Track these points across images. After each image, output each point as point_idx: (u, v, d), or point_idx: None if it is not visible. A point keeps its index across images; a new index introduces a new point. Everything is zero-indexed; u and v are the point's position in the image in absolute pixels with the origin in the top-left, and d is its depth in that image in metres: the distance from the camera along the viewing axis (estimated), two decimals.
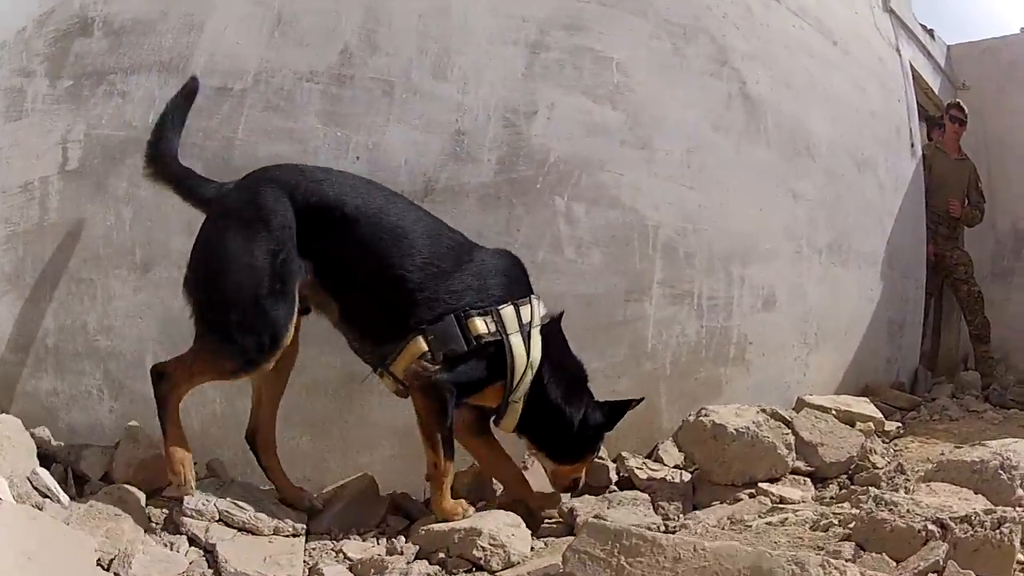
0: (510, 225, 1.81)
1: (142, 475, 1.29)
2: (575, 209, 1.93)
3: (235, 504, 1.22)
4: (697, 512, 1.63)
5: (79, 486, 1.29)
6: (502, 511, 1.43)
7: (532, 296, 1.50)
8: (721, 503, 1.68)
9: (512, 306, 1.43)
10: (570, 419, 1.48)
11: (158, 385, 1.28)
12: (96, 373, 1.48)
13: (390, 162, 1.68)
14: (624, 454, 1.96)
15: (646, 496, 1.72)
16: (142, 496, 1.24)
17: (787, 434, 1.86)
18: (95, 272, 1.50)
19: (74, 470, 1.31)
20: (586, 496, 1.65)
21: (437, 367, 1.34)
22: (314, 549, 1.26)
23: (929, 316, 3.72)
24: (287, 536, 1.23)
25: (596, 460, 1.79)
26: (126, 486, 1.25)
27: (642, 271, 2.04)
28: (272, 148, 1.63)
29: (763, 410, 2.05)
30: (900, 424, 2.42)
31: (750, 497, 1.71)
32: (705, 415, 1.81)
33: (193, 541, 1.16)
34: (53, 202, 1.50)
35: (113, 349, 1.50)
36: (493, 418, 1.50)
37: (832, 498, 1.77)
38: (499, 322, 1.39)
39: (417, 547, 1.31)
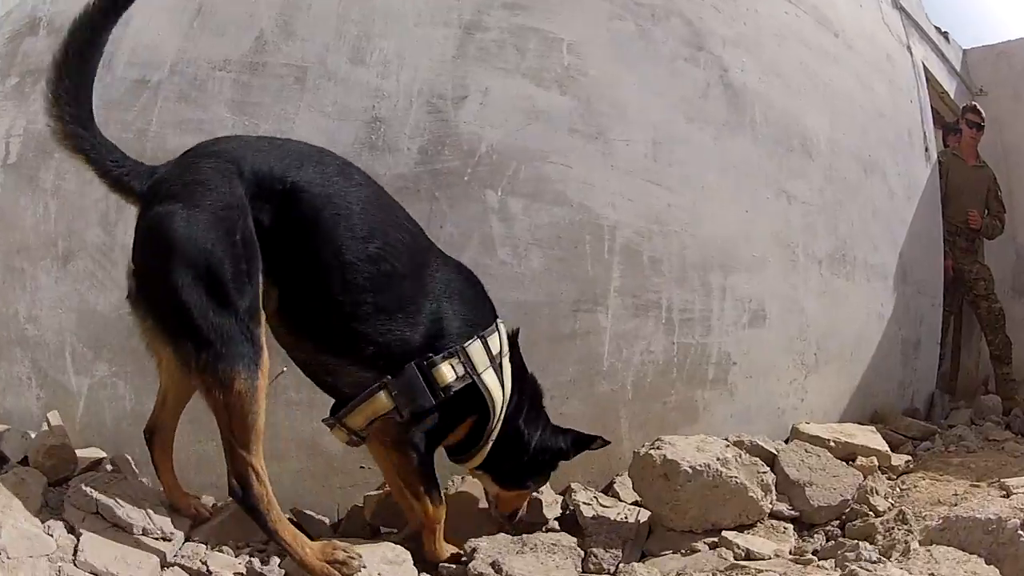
0: (431, 221, 1.44)
1: (50, 462, 1.20)
2: (511, 204, 1.55)
3: (116, 500, 1.09)
4: (635, 565, 1.19)
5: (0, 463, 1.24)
6: (389, 545, 1.16)
7: (497, 321, 1.21)
8: (674, 553, 1.27)
9: (479, 340, 1.14)
10: (527, 443, 1.24)
11: (249, 505, 0.99)
12: (25, 361, 1.41)
13: None
14: (574, 486, 1.52)
15: (572, 541, 1.30)
16: (43, 481, 1.15)
17: (764, 472, 1.42)
18: (26, 262, 1.41)
19: None
20: (499, 536, 1.26)
21: (403, 421, 1.08)
22: (183, 556, 1.10)
23: (947, 335, 3.15)
24: (156, 538, 1.09)
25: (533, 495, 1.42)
26: (33, 470, 1.18)
27: (595, 277, 1.63)
28: (182, 140, 1.39)
29: (739, 442, 1.61)
30: (910, 457, 1.91)
31: (710, 548, 1.31)
32: (657, 448, 1.37)
33: (71, 529, 1.06)
34: None
35: (40, 339, 1.40)
36: (455, 455, 1.22)
37: (815, 552, 1.34)
38: (467, 362, 1.11)
39: (284, 572, 1.07)
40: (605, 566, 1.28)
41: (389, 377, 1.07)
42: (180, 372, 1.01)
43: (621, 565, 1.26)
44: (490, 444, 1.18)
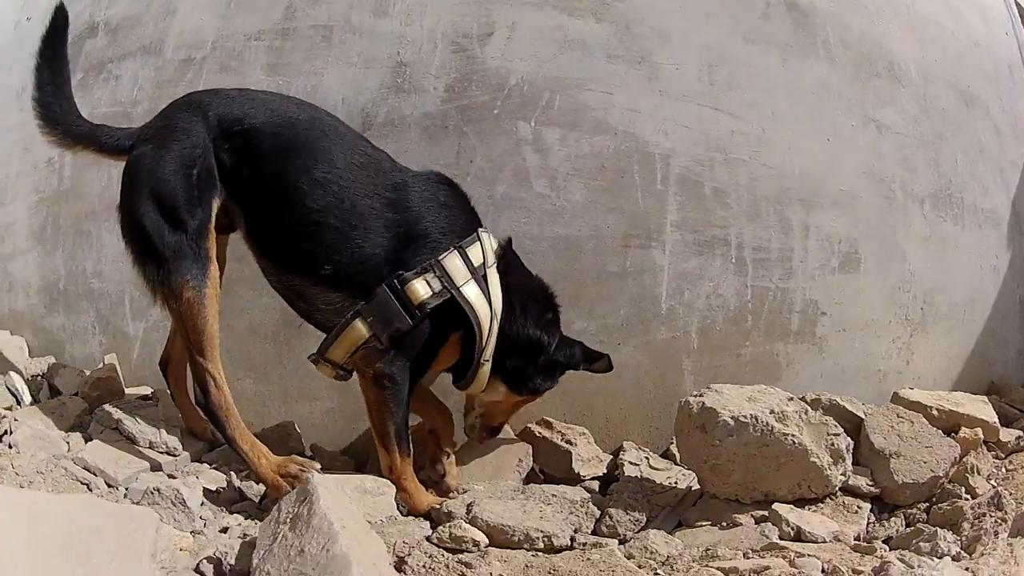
0: (460, 156, 1.20)
1: (96, 392, 1.21)
2: (546, 135, 1.24)
3: (135, 419, 1.07)
4: (651, 533, 0.88)
5: (53, 396, 1.26)
6: (372, 477, 0.98)
7: (479, 230, 1.02)
8: (712, 525, 0.93)
9: (456, 251, 0.97)
10: (541, 345, 1.04)
11: (210, 413, 0.97)
12: (90, 311, 1.42)
13: (327, 102, 1.20)
14: (626, 445, 1.15)
15: (580, 495, 0.99)
16: (83, 406, 1.16)
17: (835, 435, 0.97)
18: (92, 225, 1.43)
19: (50, 384, 1.30)
20: (503, 483, 1.00)
21: (384, 348, 0.95)
22: (179, 469, 1.04)
23: None
24: (160, 452, 1.05)
25: (561, 444, 1.11)
26: (77, 398, 1.20)
27: (648, 210, 1.25)
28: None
29: (815, 400, 1.14)
30: (1022, 434, 1.28)
31: (756, 523, 0.94)
32: (699, 395, 0.98)
33: (87, 439, 1.06)
34: (67, 172, 1.47)
35: (103, 290, 1.40)
36: (453, 379, 1.05)
37: (887, 540, 0.92)
38: (444, 276, 0.95)
39: (263, 491, 0.96)
40: (620, 530, 0.94)
41: (362, 303, 0.95)
42: (145, 290, 1.00)
43: (640, 532, 0.88)
44: (486, 365, 1.00)
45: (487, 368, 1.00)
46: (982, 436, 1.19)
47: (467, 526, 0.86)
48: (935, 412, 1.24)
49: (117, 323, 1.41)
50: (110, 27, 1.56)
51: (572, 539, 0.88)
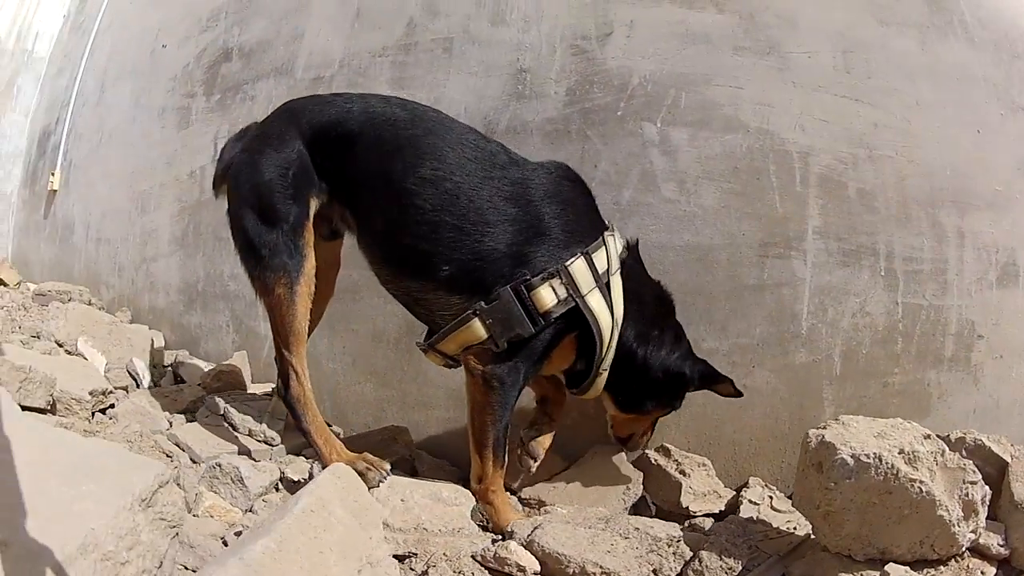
0: (584, 161, 1.03)
1: (217, 383, 1.19)
2: (673, 136, 1.04)
3: (238, 407, 1.03)
4: None
5: (177, 382, 1.26)
6: (450, 484, 0.88)
7: (605, 233, 0.86)
8: None
9: (583, 257, 0.82)
10: (644, 363, 0.88)
11: (289, 403, 0.91)
12: (226, 311, 1.42)
13: (450, 111, 1.09)
14: (752, 481, 0.94)
15: (670, 533, 0.76)
16: (198, 392, 1.14)
17: (972, 484, 0.68)
18: (229, 232, 1.48)
19: (175, 373, 1.30)
20: (596, 509, 0.82)
21: (498, 350, 0.82)
22: (271, 457, 0.97)
23: None
24: (258, 440, 0.99)
25: (673, 474, 0.91)
26: (196, 386, 1.18)
27: (787, 215, 1.01)
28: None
29: (960, 440, 0.83)
30: None
31: None
32: (822, 427, 0.74)
33: (190, 420, 1.03)
34: (207, 183, 1.47)
35: (238, 292, 1.39)
36: (568, 384, 0.91)
37: None
38: (570, 283, 0.81)
39: None
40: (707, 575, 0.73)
41: (482, 304, 0.82)
42: (251, 287, 0.94)
43: None
44: (604, 374, 0.86)
45: (604, 377, 0.86)
46: None
47: (517, 548, 0.71)
48: None
49: (249, 323, 1.38)
50: (244, 51, 1.54)
51: None
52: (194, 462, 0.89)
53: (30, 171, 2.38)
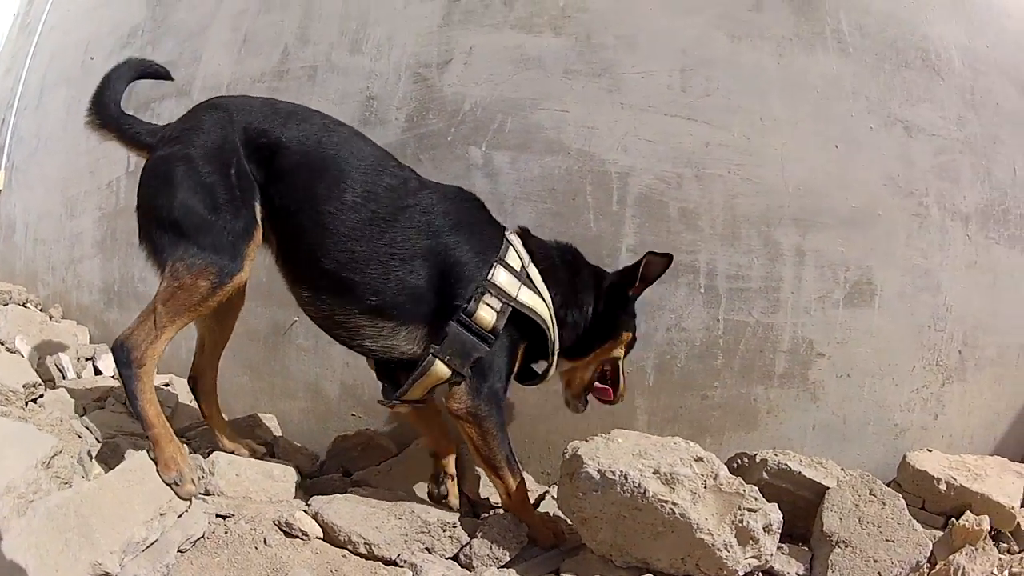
0: None
1: None
2: (496, 159, 1.15)
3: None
4: (499, 572, 0.81)
5: (96, 375, 1.47)
6: (282, 466, 1.01)
7: (505, 234, 0.96)
8: None
9: (499, 264, 0.91)
10: (576, 321, 0.98)
11: (125, 365, 0.87)
12: (137, 310, 1.64)
13: None
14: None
15: (452, 519, 0.92)
16: (113, 383, 1.32)
17: (749, 511, 0.75)
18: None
19: (95, 365, 1.50)
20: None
21: (471, 380, 0.90)
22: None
23: None
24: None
25: (477, 470, 1.02)
26: (112, 377, 1.38)
27: (600, 234, 1.11)
28: None
29: (762, 461, 0.94)
30: None
31: None
32: (587, 440, 0.84)
33: (100, 408, 1.19)
34: (123, 193, 1.66)
35: (147, 293, 1.49)
36: (522, 380, 0.99)
37: None
38: (500, 292, 0.90)
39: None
40: (475, 563, 0.84)
41: (435, 347, 0.89)
42: (154, 264, 0.92)
43: (494, 568, 0.78)
44: (557, 355, 0.95)
45: (557, 358, 0.95)
46: (987, 527, 0.88)
47: (303, 516, 0.86)
48: (943, 487, 0.96)
49: None
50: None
51: (399, 555, 0.82)
52: (98, 441, 1.06)
53: None
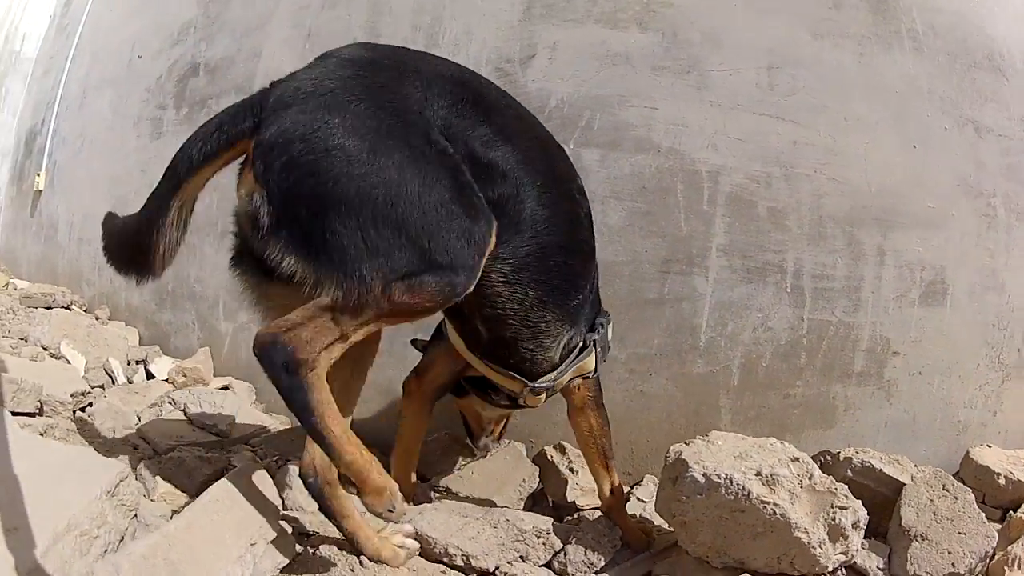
0: None
1: (182, 379, 1.40)
2: (585, 156, 1.17)
3: (197, 402, 1.23)
4: None
5: (148, 379, 1.48)
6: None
7: None
8: None
9: None
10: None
11: (286, 369, 0.61)
12: (192, 311, 1.63)
13: None
14: (648, 478, 1.10)
15: (545, 526, 0.91)
16: (166, 388, 1.35)
17: (841, 509, 0.79)
18: (196, 238, 1.62)
19: (146, 369, 1.52)
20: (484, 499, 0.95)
21: (596, 378, 0.92)
22: (222, 449, 1.13)
23: None
24: (211, 433, 1.18)
25: (563, 471, 1.07)
26: (164, 382, 1.41)
27: (691, 233, 1.14)
28: None
29: (847, 459, 0.97)
30: None
31: None
32: (687, 443, 0.86)
33: (158, 416, 1.20)
34: None
35: (202, 294, 1.60)
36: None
37: None
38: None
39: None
40: (570, 569, 0.88)
41: (594, 336, 0.88)
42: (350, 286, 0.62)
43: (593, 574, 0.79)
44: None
45: None
46: None
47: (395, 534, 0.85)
48: (1002, 481, 1.02)
49: (212, 322, 1.59)
50: (209, 67, 1.73)
51: (498, 566, 0.84)
52: (156, 453, 1.04)
53: (17, 170, 2.66)
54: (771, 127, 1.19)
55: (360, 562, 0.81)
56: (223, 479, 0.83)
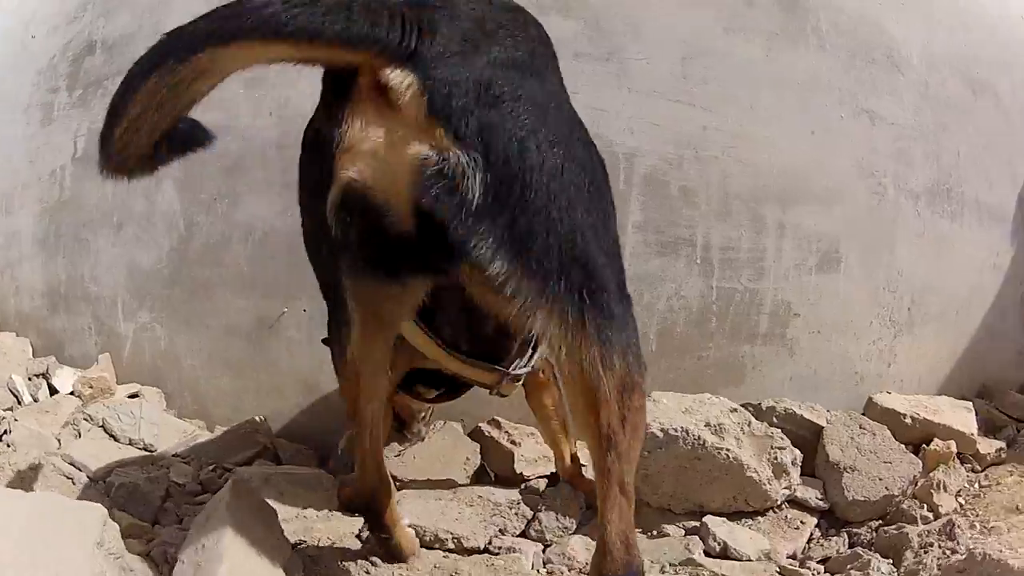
0: None
1: (88, 390, 1.31)
2: None
3: (118, 416, 1.19)
4: (571, 538, 0.90)
5: (52, 394, 1.37)
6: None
7: None
8: (643, 534, 0.92)
9: None
10: None
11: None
12: (87, 313, 1.52)
13: (299, 114, 1.36)
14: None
15: (507, 498, 0.97)
16: (75, 403, 1.27)
17: (780, 449, 0.93)
18: (90, 234, 1.52)
19: (49, 383, 1.40)
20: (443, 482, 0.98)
21: None
22: (156, 464, 1.10)
23: None
24: (139, 448, 1.16)
25: (505, 445, 1.13)
26: (70, 396, 1.31)
27: None
28: (204, 116, 1.39)
29: (770, 408, 1.09)
30: (1004, 445, 1.21)
31: (686, 534, 0.93)
32: None
33: (77, 436, 1.16)
34: (67, 183, 1.56)
35: (99, 294, 1.49)
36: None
37: (824, 560, 0.89)
38: None
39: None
40: (548, 535, 0.93)
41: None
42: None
43: (575, 537, 0.87)
44: None
45: None
46: (954, 449, 1.10)
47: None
48: (908, 420, 1.17)
49: (110, 324, 1.49)
50: (107, 45, 1.61)
51: (490, 541, 0.88)
52: (92, 480, 0.96)
53: None
54: (684, 113, 1.29)
55: (373, 563, 0.80)
56: (227, 509, 0.70)
